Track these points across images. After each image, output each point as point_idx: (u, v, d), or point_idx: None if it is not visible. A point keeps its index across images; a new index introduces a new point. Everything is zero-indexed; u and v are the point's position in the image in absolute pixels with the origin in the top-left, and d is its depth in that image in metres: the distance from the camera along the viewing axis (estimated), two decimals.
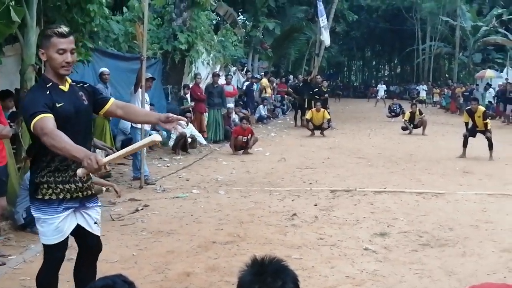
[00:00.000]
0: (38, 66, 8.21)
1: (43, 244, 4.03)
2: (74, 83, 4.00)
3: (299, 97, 24.27)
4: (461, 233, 7.39)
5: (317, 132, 19.74)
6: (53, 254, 4.01)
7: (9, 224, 7.36)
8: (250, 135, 15.27)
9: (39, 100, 3.69)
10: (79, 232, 4.10)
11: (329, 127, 20.56)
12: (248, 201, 9.26)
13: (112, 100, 4.17)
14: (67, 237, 4.01)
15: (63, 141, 3.48)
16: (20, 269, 5.97)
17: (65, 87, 3.91)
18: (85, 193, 4.03)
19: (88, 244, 4.17)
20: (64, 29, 3.88)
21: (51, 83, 3.84)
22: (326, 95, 23.13)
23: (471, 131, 14.76)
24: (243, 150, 15.15)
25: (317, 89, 22.23)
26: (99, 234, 4.19)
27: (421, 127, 21.01)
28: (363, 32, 67.93)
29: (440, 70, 62.81)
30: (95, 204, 4.13)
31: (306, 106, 22.73)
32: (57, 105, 3.76)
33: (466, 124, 15.02)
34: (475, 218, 8.14)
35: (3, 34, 7.34)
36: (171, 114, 4.01)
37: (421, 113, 21.57)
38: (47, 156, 3.82)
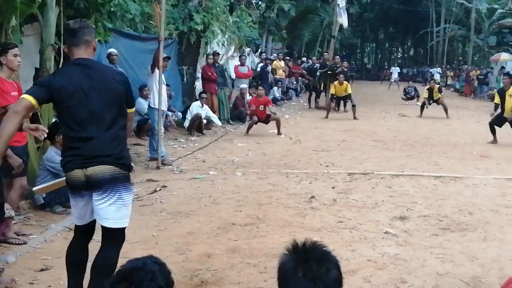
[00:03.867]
0: (57, 46, 8.20)
1: None
2: None
3: (313, 79, 24.17)
4: (481, 217, 7.34)
5: (335, 115, 19.71)
6: (76, 230, 4.25)
7: (28, 204, 7.39)
8: (267, 105, 15.39)
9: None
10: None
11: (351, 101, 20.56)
12: (265, 183, 9.25)
13: None
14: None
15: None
16: (42, 248, 6.01)
17: None
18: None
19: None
20: None
21: None
22: (348, 73, 23.19)
23: (498, 120, 13.99)
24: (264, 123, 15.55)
25: (338, 68, 22.01)
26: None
27: (444, 111, 20.54)
28: (377, 14, 67.44)
29: (454, 53, 62.38)
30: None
31: (322, 88, 22.80)
32: None
33: (496, 106, 14.31)
34: (494, 203, 8.08)
35: (23, 13, 7.32)
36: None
37: (440, 91, 21.23)
38: (63, 134, 4.01)
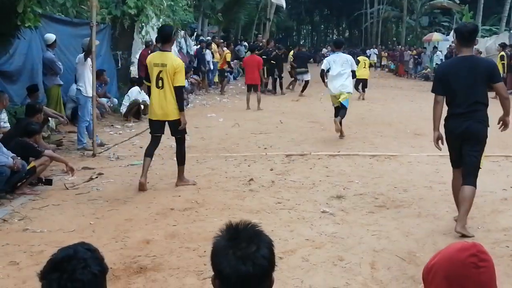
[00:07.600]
0: None
1: None
2: None
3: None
4: (415, 194, 7.53)
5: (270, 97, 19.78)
6: None
7: None
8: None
9: None
10: None
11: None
12: (204, 167, 9.22)
13: None
14: None
15: None
16: None
17: None
18: None
19: None
20: None
21: None
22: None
23: None
24: None
25: (273, 53, 22.13)
26: None
27: None
28: None
29: (388, 34, 63.36)
30: None
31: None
32: None
33: None
34: (428, 180, 8.29)
35: None
36: None
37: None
38: None
